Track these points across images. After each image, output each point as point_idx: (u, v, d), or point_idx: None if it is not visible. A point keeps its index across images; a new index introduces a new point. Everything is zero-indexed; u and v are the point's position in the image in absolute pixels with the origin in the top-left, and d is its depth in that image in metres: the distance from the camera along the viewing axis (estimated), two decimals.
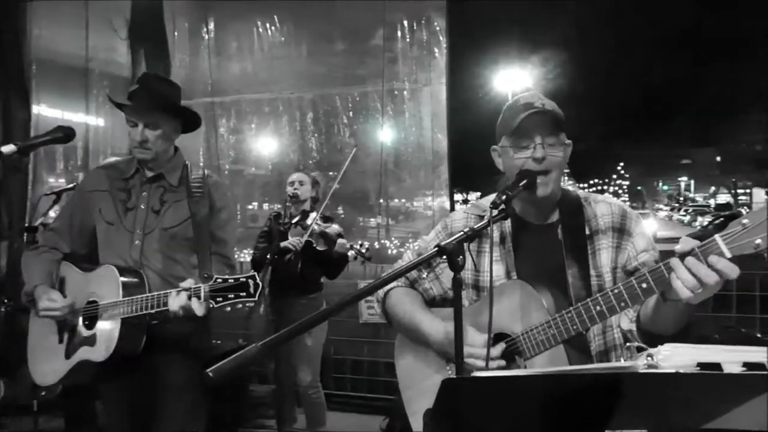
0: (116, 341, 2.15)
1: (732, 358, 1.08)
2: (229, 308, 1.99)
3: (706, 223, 23.19)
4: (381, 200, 5.43)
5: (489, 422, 1.09)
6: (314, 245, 3.71)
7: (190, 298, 2.03)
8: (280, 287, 3.90)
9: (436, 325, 1.76)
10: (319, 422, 4.10)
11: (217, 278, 1.99)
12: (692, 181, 49.60)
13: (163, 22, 5.28)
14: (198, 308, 2.03)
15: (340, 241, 3.62)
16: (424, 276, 1.93)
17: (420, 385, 1.85)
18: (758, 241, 1.25)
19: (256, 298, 1.98)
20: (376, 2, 4.72)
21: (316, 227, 3.66)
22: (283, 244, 3.75)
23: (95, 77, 5.47)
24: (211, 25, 5.45)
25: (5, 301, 4.31)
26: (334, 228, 3.72)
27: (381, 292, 1.96)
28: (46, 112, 5.63)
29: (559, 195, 1.80)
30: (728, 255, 1.29)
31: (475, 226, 1.47)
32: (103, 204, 2.37)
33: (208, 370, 0.93)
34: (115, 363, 2.19)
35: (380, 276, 1.95)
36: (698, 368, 1.08)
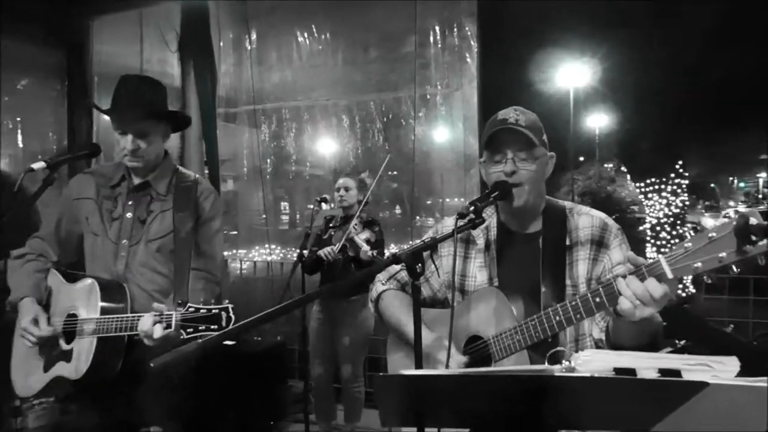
0: (90, 361, 2.01)
1: (649, 364, 1.14)
2: (200, 340, 1.70)
3: None
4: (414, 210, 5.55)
5: (418, 414, 1.20)
6: (347, 250, 3.91)
7: (165, 327, 1.88)
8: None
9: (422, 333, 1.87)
10: (355, 417, 4.28)
11: (190, 306, 1.82)
12: None
13: (209, 35, 5.54)
14: (162, 335, 1.87)
15: (363, 248, 3.78)
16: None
17: None
18: (698, 264, 1.32)
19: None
20: (408, 10, 4.83)
21: (352, 231, 3.84)
22: (319, 252, 3.98)
23: None
24: (254, 36, 5.73)
25: None
26: (362, 235, 3.88)
27: (374, 294, 2.10)
28: (106, 121, 6.04)
29: (543, 205, 1.86)
30: (670, 275, 1.36)
31: (437, 236, 1.57)
32: (89, 213, 2.24)
33: (151, 361, 1.07)
34: (91, 383, 2.07)
35: (379, 289, 2.09)
36: (614, 373, 1.14)
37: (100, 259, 2.20)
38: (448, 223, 2.03)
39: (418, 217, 6.43)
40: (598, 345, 1.80)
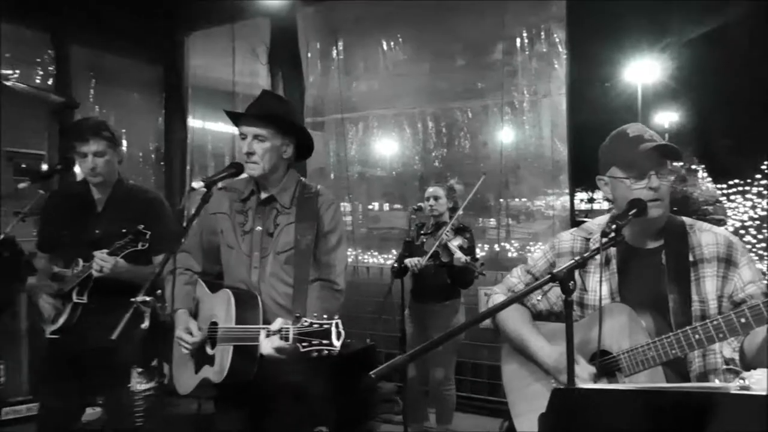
0: (228, 366, 2.15)
1: None
2: (315, 354, 1.86)
3: None
4: (501, 217, 5.57)
5: (592, 428, 1.27)
6: (440, 256, 4.00)
7: (284, 339, 1.98)
8: (419, 293, 4.28)
9: (545, 347, 1.94)
10: (447, 419, 4.37)
11: (304, 321, 1.89)
12: None
13: (297, 46, 5.74)
14: (279, 346, 2.00)
15: (456, 255, 3.86)
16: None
17: (522, 390, 2.03)
18: None
19: (338, 348, 1.85)
20: (495, 17, 4.87)
21: (444, 237, 3.94)
22: (406, 261, 4.09)
23: (240, 99, 6.10)
24: (341, 47, 5.91)
25: None
26: (455, 242, 3.96)
27: (491, 304, 2.17)
28: (200, 132, 6.39)
29: (665, 220, 1.89)
30: None
31: (585, 255, 1.64)
32: (224, 226, 2.39)
33: (371, 372, 1.20)
34: (231, 386, 2.23)
35: (496, 300, 2.15)
36: None
37: (235, 271, 2.35)
38: (565, 238, 2.09)
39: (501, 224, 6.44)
40: (728, 364, 1.82)
